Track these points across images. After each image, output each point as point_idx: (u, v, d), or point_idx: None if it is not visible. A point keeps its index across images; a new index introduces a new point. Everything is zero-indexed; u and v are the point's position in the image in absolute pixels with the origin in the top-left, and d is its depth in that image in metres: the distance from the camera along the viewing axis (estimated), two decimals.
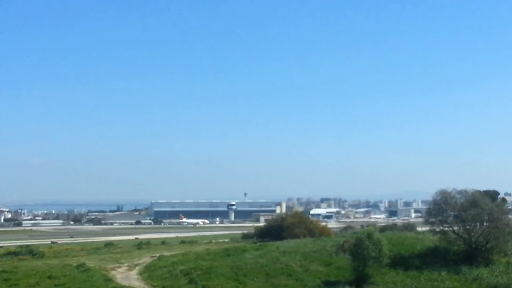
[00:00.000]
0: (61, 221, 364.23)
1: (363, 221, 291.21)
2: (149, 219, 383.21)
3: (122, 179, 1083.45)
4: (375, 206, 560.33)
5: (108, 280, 56.04)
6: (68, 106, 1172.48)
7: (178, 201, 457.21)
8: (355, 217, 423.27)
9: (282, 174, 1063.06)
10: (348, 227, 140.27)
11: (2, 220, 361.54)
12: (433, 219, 65.22)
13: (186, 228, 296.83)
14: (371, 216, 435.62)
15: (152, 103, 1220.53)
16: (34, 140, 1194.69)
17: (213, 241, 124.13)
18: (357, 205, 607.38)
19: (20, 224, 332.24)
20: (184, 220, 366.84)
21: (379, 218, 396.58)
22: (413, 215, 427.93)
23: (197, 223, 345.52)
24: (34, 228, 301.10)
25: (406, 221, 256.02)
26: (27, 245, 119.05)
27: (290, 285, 51.40)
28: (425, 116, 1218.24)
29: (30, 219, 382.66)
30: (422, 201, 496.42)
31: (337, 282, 52.48)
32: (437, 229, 64.49)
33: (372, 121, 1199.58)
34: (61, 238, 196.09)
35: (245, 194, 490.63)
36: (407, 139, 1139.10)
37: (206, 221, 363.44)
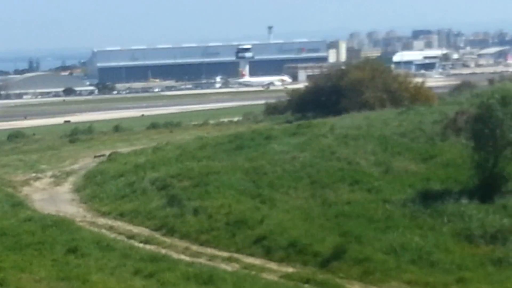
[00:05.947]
0: None
1: (494, 72, 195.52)
2: (89, 84, 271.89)
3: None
4: None
5: (18, 205, 35.67)
6: None
7: (136, 48, 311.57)
8: (478, 65, 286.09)
9: None
10: (464, 85, 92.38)
11: None
12: None
13: (159, 98, 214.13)
14: (508, 61, 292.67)
15: None
16: None
17: (211, 121, 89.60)
18: (480, 42, 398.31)
19: None
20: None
21: None
22: None
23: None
24: None
25: None
26: None
27: (359, 201, 29.54)
28: None
29: None
30: None
31: (445, 193, 29.29)
32: None
33: None
34: None
35: (270, 28, 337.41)
36: None
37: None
